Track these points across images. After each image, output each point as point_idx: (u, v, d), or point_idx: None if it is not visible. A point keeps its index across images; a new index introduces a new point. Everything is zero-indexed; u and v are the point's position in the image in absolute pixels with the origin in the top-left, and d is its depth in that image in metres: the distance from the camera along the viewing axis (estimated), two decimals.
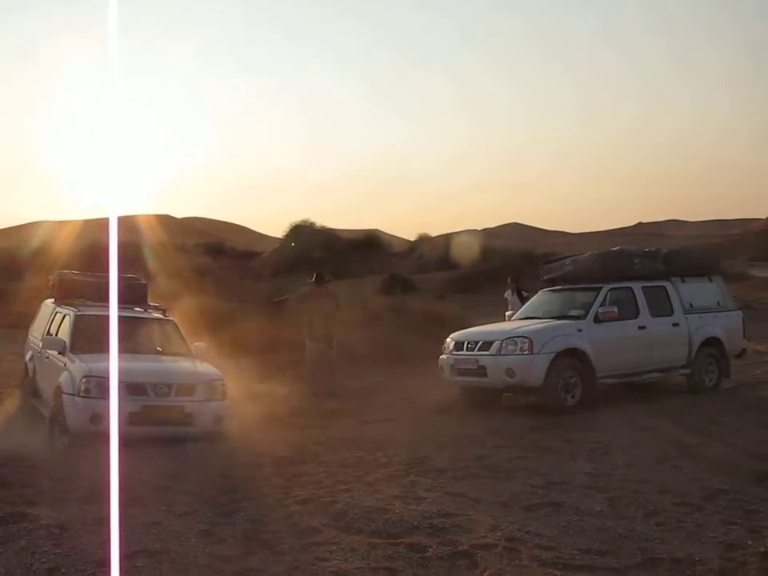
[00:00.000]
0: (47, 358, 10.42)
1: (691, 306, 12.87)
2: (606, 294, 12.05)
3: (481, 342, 11.66)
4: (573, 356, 11.29)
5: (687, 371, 12.59)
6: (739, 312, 13.83)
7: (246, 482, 7.18)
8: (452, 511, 6.05)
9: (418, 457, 8.24)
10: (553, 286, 13.51)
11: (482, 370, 11.45)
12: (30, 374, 11.27)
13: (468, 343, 11.87)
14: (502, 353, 11.22)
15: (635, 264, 12.60)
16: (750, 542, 5.28)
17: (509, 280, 18.52)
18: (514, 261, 42.99)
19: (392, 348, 17.58)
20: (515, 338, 11.24)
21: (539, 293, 13.55)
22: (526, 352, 11.06)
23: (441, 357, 12.46)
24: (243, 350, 15.34)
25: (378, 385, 14.81)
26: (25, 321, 14.19)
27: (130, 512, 5.93)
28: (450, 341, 12.40)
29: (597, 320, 11.69)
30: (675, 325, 12.53)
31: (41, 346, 10.90)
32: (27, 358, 11.66)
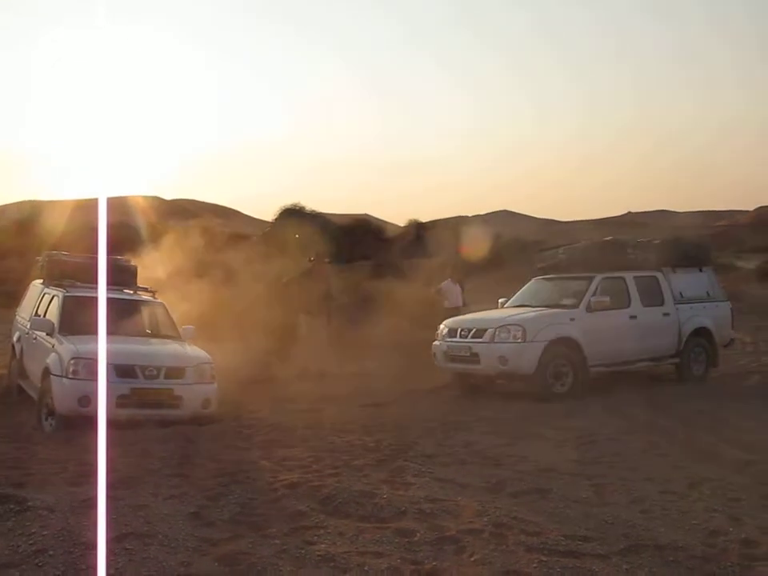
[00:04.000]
0: (35, 339, 10.39)
1: (681, 295, 13.01)
2: (599, 284, 12.13)
3: (474, 330, 11.78)
4: (565, 344, 11.43)
5: (676, 360, 12.74)
6: (728, 303, 13.96)
7: (235, 465, 7.19)
8: (439, 496, 6.08)
9: (407, 442, 8.28)
10: (545, 275, 13.56)
11: (474, 357, 11.57)
12: (18, 355, 11.24)
13: (461, 330, 11.99)
14: (495, 340, 11.36)
15: (628, 254, 12.81)
16: (731, 529, 5.34)
17: (450, 270, 18.39)
18: (503, 247, 43.04)
19: (382, 333, 17.59)
20: (508, 326, 11.38)
21: (532, 281, 13.59)
22: (519, 340, 11.20)
23: (434, 343, 12.55)
24: (233, 332, 15.32)
25: (368, 370, 14.84)
26: (13, 301, 14.13)
27: (117, 494, 5.94)
28: (443, 327, 12.49)
29: (589, 309, 11.82)
30: (666, 315, 12.67)
31: (29, 327, 10.87)
32: (15, 338, 11.64)
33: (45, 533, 4.99)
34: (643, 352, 12.38)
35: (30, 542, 4.86)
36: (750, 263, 38.94)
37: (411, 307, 20.62)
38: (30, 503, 5.56)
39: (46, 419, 9.20)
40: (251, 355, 13.73)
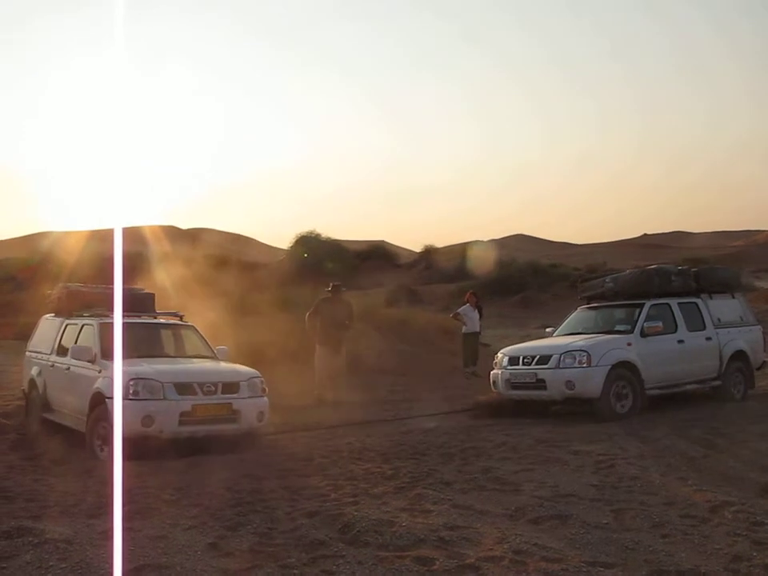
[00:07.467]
0: (68, 369, 10.46)
1: (719, 321, 13.46)
2: (648, 310, 12.58)
3: (538, 356, 12.08)
4: (625, 368, 11.78)
5: (718, 383, 13.11)
6: (760, 327, 14.49)
7: (253, 494, 7.18)
8: (459, 524, 6.05)
9: (425, 469, 8.24)
10: (589, 303, 14.02)
11: (540, 383, 11.89)
12: (41, 389, 11.26)
13: (524, 358, 12.27)
14: (560, 366, 11.68)
15: (672, 281, 13.14)
16: (754, 554, 5.27)
17: (469, 295, 18.51)
18: (518, 271, 43.02)
19: (398, 359, 17.59)
20: (573, 352, 11.74)
21: (578, 310, 14.02)
22: (584, 365, 11.56)
23: (492, 372, 12.83)
24: (251, 360, 15.36)
25: (384, 396, 14.83)
26: (26, 330, 14.23)
27: (135, 525, 5.95)
28: (501, 356, 12.79)
29: (643, 334, 12.22)
30: (708, 339, 13.11)
31: (53, 359, 11.02)
32: (34, 373, 11.62)
33: (63, 566, 5.00)
34: (690, 375, 12.78)
35: (49, 575, 4.86)
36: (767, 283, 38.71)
37: (427, 332, 20.65)
38: (48, 536, 5.57)
39: (100, 447, 9.22)
40: (268, 383, 13.75)
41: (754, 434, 9.77)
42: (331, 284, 15.05)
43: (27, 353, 12.40)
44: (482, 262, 44.86)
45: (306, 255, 44.07)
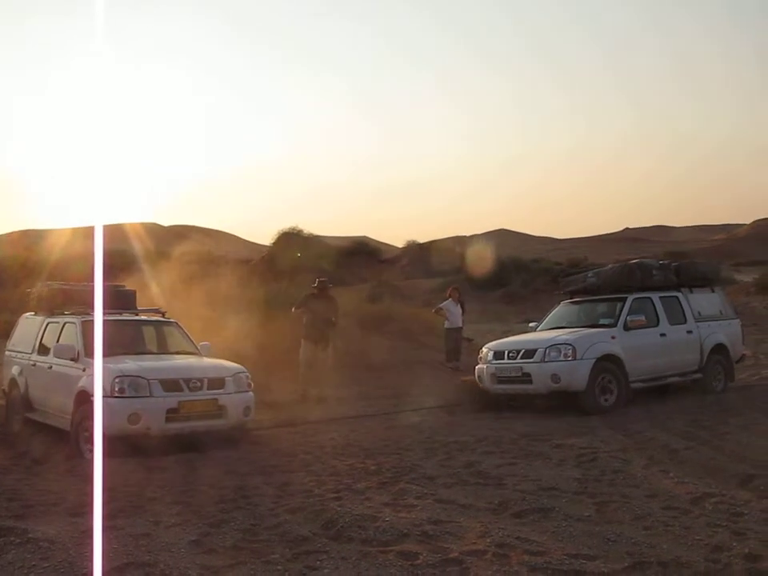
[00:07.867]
0: (50, 367, 10.39)
1: (700, 314, 13.65)
2: (631, 304, 12.72)
3: (523, 351, 12.14)
4: (609, 361, 11.88)
5: (699, 376, 13.29)
6: (738, 320, 14.73)
7: (236, 491, 7.17)
8: (442, 518, 6.06)
9: (408, 464, 8.26)
10: (572, 298, 14.13)
11: (526, 377, 11.94)
12: (22, 389, 11.19)
13: (509, 352, 12.33)
14: (545, 360, 11.72)
15: (654, 275, 13.32)
16: (734, 544, 5.31)
17: (451, 290, 18.57)
18: (501, 266, 43.09)
19: (381, 355, 17.61)
20: (558, 345, 11.80)
21: (560, 305, 14.10)
22: (569, 358, 11.62)
23: (477, 366, 12.89)
24: (234, 356, 15.34)
25: (367, 392, 14.85)
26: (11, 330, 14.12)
27: (118, 523, 5.93)
28: (486, 351, 12.84)
29: (626, 328, 12.34)
30: (689, 332, 13.29)
31: (34, 358, 10.94)
32: (15, 373, 11.54)
33: (45, 565, 4.97)
34: (672, 368, 12.94)
35: (31, 574, 4.84)
36: (748, 276, 39.01)
37: (410, 328, 20.68)
38: (30, 535, 5.54)
39: (85, 445, 9.15)
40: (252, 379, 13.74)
41: (735, 426, 9.85)
42: (317, 280, 14.98)
43: (7, 352, 12.31)
44: (466, 258, 44.90)
45: (299, 255, 43.78)
